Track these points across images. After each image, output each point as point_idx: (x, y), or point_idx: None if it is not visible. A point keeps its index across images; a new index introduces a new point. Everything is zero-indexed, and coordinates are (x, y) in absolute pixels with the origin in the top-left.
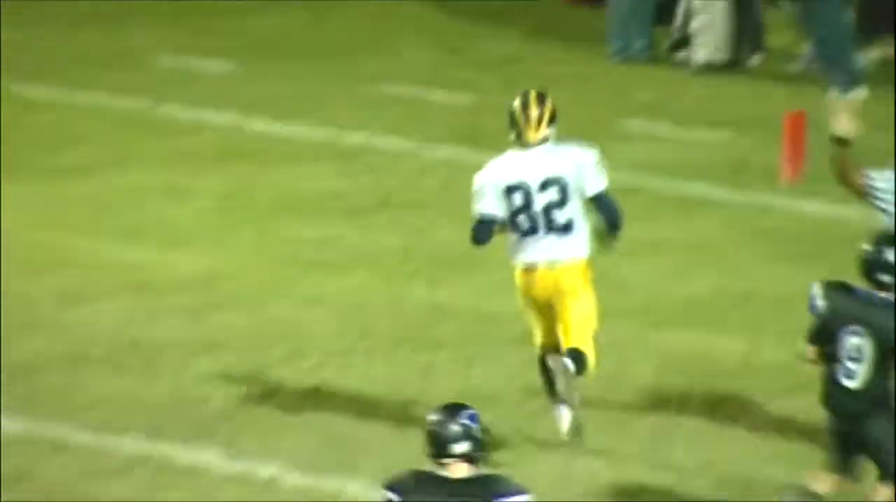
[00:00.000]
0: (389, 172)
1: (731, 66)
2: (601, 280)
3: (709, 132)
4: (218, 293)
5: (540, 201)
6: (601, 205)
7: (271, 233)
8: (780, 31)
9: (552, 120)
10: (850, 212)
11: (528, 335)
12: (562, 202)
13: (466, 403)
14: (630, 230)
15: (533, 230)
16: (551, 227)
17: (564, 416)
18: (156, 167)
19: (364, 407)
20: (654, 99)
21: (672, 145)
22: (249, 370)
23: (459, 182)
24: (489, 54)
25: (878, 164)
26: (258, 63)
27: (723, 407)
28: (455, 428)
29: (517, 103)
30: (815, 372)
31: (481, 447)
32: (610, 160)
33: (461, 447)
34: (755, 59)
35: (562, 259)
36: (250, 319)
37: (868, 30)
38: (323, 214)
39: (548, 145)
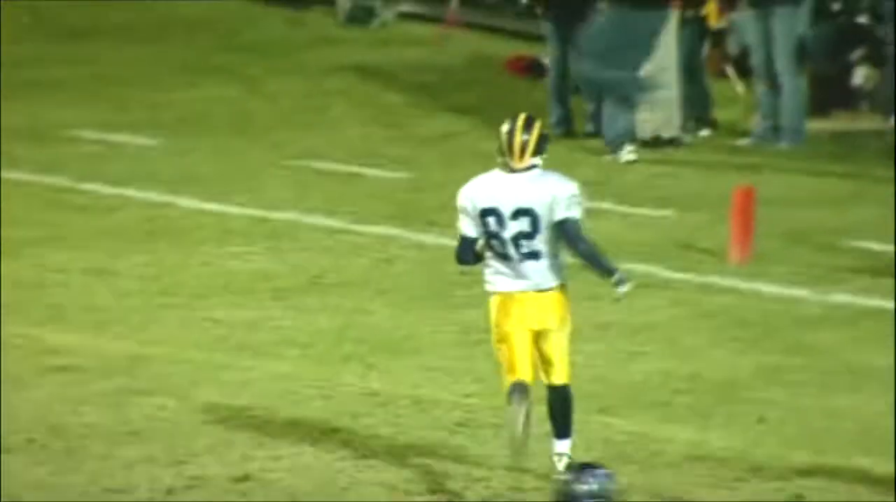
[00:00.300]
0: (321, 251)
1: (678, 141)
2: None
3: (654, 209)
4: (143, 378)
5: (510, 229)
6: (567, 235)
7: (198, 315)
8: (728, 106)
9: (539, 147)
10: (801, 293)
11: (467, 422)
12: (532, 233)
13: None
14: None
15: (505, 257)
16: (521, 256)
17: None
18: (80, 246)
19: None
20: (597, 175)
21: (616, 223)
22: (175, 459)
23: (394, 261)
24: (426, 129)
25: (832, 241)
26: (184, 138)
27: (668, 496)
28: (585, 487)
29: (505, 128)
30: (762, 460)
31: None
32: None
33: None
34: (703, 134)
35: (532, 289)
36: (176, 405)
37: (821, 104)
38: (252, 295)
39: (534, 172)
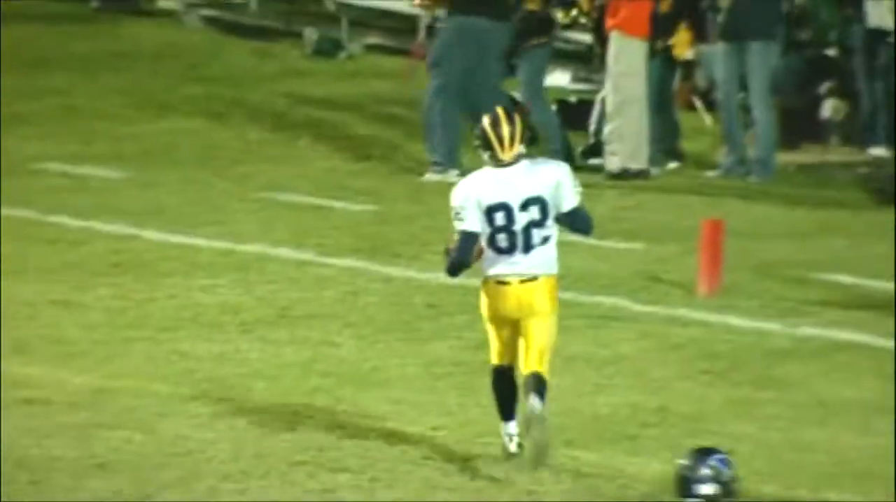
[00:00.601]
0: (288, 284)
1: (646, 173)
2: None
3: (622, 242)
4: (109, 411)
5: (521, 220)
6: (575, 219)
7: (165, 348)
8: (696, 138)
9: (524, 137)
10: (770, 326)
11: (434, 455)
12: (542, 221)
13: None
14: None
15: (511, 249)
16: (529, 246)
17: (513, 434)
18: (46, 279)
19: None
20: None
21: (584, 256)
22: (141, 492)
23: (361, 294)
24: (393, 161)
25: (801, 273)
26: (150, 171)
27: None
28: (705, 470)
29: (487, 123)
30: None
31: (730, 492)
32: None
33: (708, 489)
34: (671, 167)
35: (536, 276)
36: (143, 439)
37: (790, 137)
38: (219, 328)
39: (524, 163)
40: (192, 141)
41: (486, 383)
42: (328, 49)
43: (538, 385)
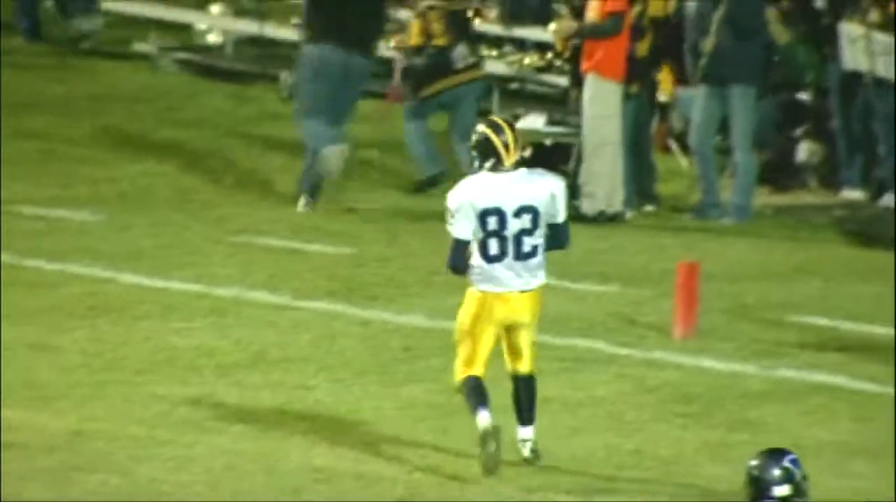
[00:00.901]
0: (264, 327)
1: (622, 216)
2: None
3: (597, 285)
4: (85, 454)
5: (513, 227)
6: (558, 231)
7: (140, 391)
8: (672, 180)
9: (518, 144)
10: (746, 368)
11: (410, 498)
12: (532, 229)
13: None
14: None
15: (501, 256)
16: (519, 254)
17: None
18: (23, 322)
19: None
20: None
21: (559, 298)
22: None
23: (337, 337)
24: (369, 204)
25: (777, 316)
26: (126, 214)
27: None
28: (777, 471)
29: (489, 130)
30: None
31: (801, 492)
32: None
33: (782, 490)
34: (647, 209)
35: (528, 286)
36: (119, 481)
37: (765, 179)
38: (195, 371)
39: (522, 171)
40: (168, 184)
41: (462, 425)
42: None
43: (528, 383)
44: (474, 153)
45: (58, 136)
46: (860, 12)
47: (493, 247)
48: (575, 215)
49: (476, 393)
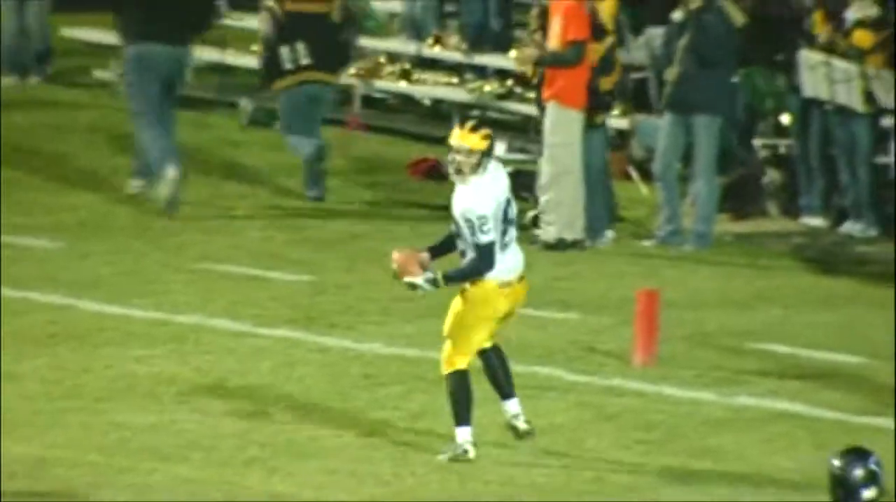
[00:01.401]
0: (224, 355)
1: (582, 243)
2: (451, 468)
3: (557, 312)
4: (45, 481)
5: (514, 209)
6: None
7: (100, 419)
8: (632, 208)
9: None
10: (706, 395)
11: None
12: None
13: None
14: (479, 414)
15: (510, 241)
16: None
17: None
18: None
19: None
20: None
21: (518, 326)
22: None
23: (297, 365)
24: (328, 232)
25: (737, 343)
26: (85, 241)
27: None
28: (863, 472)
29: (482, 131)
30: None
31: (884, 492)
32: None
33: (869, 492)
34: (607, 236)
35: (523, 274)
36: None
37: (725, 206)
38: (155, 399)
39: (494, 163)
40: (127, 211)
41: (422, 454)
42: (264, 119)
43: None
44: (480, 158)
45: (19, 165)
46: (820, 40)
47: (511, 233)
48: (535, 242)
49: (467, 399)
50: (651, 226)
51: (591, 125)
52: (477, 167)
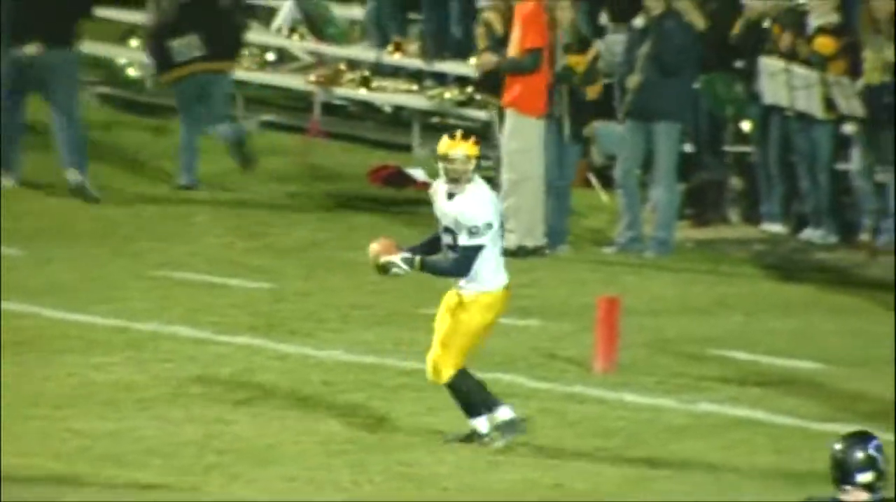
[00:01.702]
0: (184, 362)
1: (542, 250)
2: (409, 475)
3: (518, 319)
4: (6, 490)
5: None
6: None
7: (60, 426)
8: (593, 215)
9: None
10: (667, 402)
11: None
12: None
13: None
14: (438, 421)
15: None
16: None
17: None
18: None
19: None
20: None
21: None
22: None
23: (256, 372)
24: (288, 239)
25: (698, 350)
26: (46, 247)
27: None
28: (861, 456)
29: (472, 138)
30: None
31: (883, 477)
32: (410, 350)
33: (865, 476)
34: (567, 244)
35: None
36: None
37: (687, 213)
38: (114, 406)
39: None
40: (87, 217)
41: (381, 460)
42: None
43: None
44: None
45: None
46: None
47: (502, 239)
48: None
49: (478, 390)
50: (611, 232)
51: (577, 138)
52: (471, 173)
